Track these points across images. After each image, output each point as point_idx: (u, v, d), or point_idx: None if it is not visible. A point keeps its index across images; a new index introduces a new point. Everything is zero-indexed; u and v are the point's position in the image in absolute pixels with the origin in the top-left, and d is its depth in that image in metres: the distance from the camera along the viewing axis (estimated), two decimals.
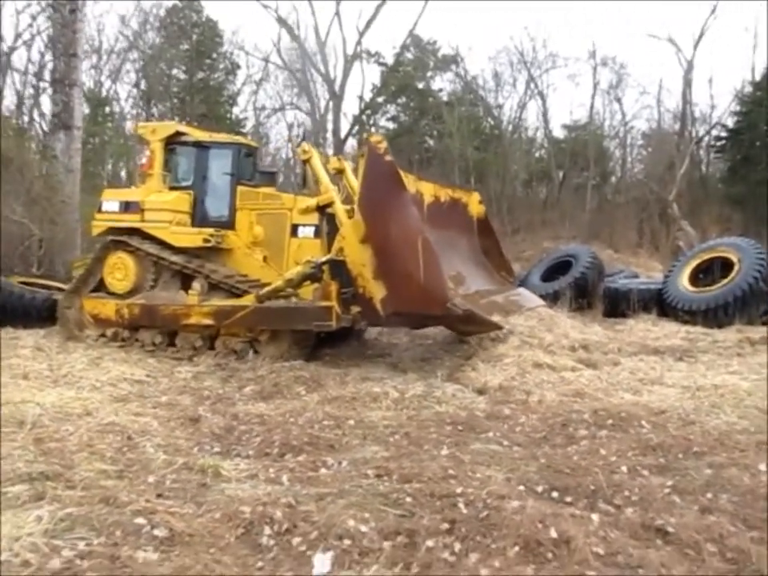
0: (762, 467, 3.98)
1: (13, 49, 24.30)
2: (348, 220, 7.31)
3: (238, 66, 30.28)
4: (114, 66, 28.13)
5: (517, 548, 2.99)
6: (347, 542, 3.04)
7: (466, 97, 29.90)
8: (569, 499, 3.62)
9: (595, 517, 3.32)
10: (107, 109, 26.46)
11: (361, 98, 30.27)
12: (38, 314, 9.69)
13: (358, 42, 29.11)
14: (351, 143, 29.36)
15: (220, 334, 8.17)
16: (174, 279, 8.64)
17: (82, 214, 12.80)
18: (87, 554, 2.87)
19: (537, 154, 31.23)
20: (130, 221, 8.75)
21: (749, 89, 25.05)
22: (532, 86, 29.37)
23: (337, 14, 28.68)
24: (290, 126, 31.61)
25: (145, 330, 8.42)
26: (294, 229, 8.52)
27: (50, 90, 17.25)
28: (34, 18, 24.13)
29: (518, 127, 30.48)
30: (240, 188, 8.88)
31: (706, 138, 27.16)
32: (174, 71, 28.93)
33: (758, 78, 24.65)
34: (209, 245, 8.59)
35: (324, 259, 7.58)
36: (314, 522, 3.20)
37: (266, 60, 30.78)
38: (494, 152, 28.35)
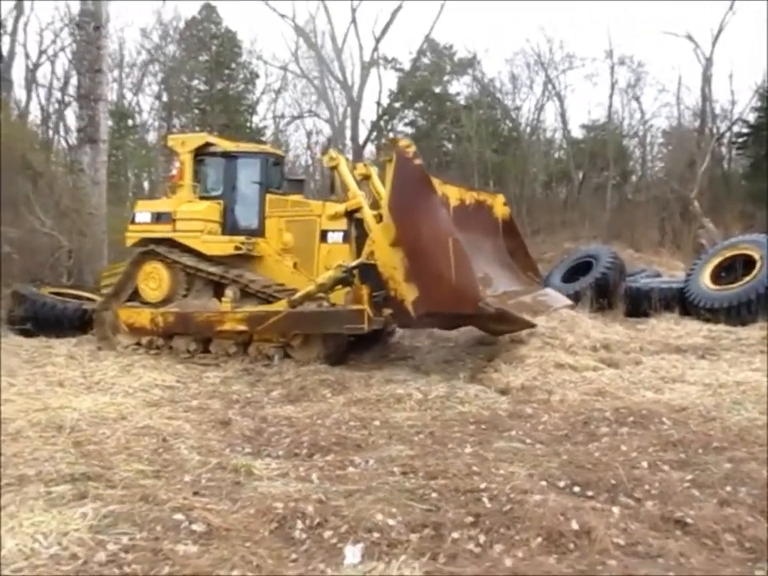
0: None
1: (37, 65, 24.98)
2: (377, 224, 7.40)
3: (257, 76, 30.84)
4: (136, 79, 28.76)
5: (539, 539, 3.10)
6: (376, 534, 3.17)
7: (484, 100, 29.96)
8: (590, 493, 3.71)
9: (616, 510, 3.42)
10: (130, 121, 26.96)
11: (378, 103, 30.52)
12: (70, 324, 9.95)
13: (375, 49, 29.45)
14: (370, 149, 29.62)
15: (253, 339, 8.33)
16: (207, 287, 8.82)
17: (109, 224, 13.11)
18: (131, 548, 3.03)
19: (556, 155, 31.21)
20: (162, 231, 8.94)
21: None
22: (549, 87, 29.45)
23: (353, 21, 29.02)
24: (309, 134, 32.01)
25: (179, 337, 8.62)
26: (324, 235, 8.61)
27: (74, 104, 17.66)
28: (56, 34, 24.87)
29: (536, 129, 30.53)
30: (269, 196, 9.02)
31: (727, 135, 26.96)
32: (195, 82, 29.50)
33: None
34: (240, 252, 8.73)
35: (355, 263, 7.69)
36: (343, 517, 3.33)
37: (284, 68, 31.26)
38: (512, 154, 28.38)
